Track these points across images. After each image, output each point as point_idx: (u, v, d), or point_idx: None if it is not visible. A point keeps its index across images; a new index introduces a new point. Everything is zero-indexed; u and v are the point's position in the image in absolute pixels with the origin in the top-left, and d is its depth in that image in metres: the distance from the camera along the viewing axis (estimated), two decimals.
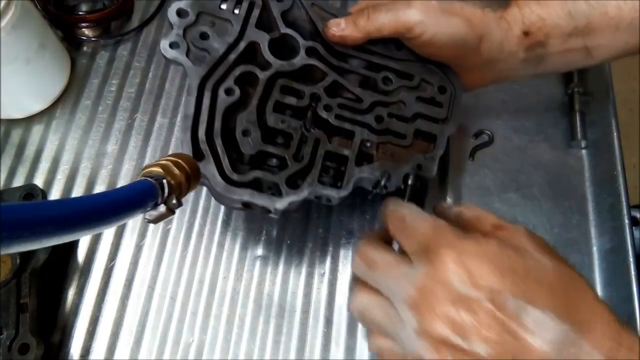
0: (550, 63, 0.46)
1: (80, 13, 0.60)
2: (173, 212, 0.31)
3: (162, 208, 0.31)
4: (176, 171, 0.32)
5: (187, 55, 0.42)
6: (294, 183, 0.42)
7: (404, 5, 0.42)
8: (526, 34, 0.44)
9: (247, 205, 0.42)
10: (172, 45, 0.42)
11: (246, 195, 0.40)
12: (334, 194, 0.42)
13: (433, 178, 0.44)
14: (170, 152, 0.56)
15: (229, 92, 0.42)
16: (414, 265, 0.34)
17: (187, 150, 0.40)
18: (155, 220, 0.31)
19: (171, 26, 0.43)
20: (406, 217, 0.36)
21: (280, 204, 0.41)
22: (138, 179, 0.31)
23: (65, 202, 0.25)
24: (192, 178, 0.34)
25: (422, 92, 0.46)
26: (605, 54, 0.46)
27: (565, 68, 0.48)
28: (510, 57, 0.45)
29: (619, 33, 0.44)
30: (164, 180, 0.31)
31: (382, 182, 0.43)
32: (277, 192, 0.41)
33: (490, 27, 0.43)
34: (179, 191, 0.32)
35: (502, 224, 0.35)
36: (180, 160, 0.33)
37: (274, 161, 0.43)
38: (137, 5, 0.64)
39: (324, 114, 0.43)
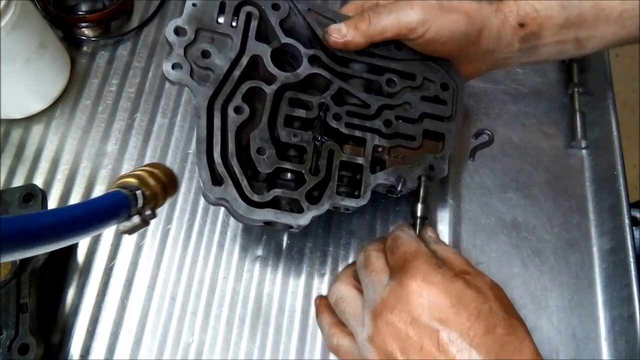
0: (542, 53, 0.48)
1: (80, 13, 0.60)
2: (147, 223, 0.31)
3: (136, 219, 0.31)
4: (151, 182, 0.32)
5: (191, 75, 0.41)
6: (312, 196, 0.42)
7: (404, 7, 0.42)
8: (521, 25, 0.45)
9: (268, 223, 0.42)
10: (175, 67, 0.41)
11: (269, 215, 0.40)
12: (353, 204, 0.43)
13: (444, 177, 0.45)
14: (170, 152, 0.56)
15: (238, 110, 0.42)
16: (389, 279, 0.36)
17: (205, 176, 0.40)
18: (130, 231, 0.31)
19: (170, 47, 0.42)
20: (399, 237, 0.39)
21: (303, 220, 0.41)
22: (111, 190, 0.30)
23: (36, 215, 0.25)
24: (168, 188, 0.34)
25: (425, 91, 0.46)
26: (596, 44, 0.47)
27: (556, 57, 0.50)
28: (506, 47, 0.46)
29: (607, 25, 0.45)
30: (138, 192, 0.31)
31: (399, 187, 0.43)
32: (296, 207, 0.41)
33: (488, 19, 0.44)
34: (155, 202, 0.32)
35: (468, 270, 0.37)
36: (156, 171, 0.33)
37: (289, 175, 0.43)
38: (137, 5, 0.64)
39: (334, 124, 0.43)
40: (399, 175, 0.43)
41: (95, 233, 0.28)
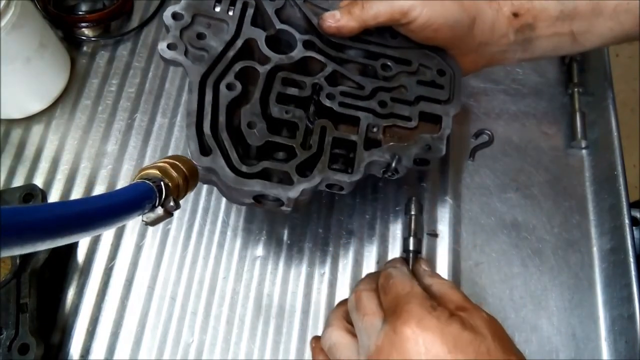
0: (538, 47, 0.47)
1: (80, 13, 0.60)
2: (171, 214, 0.31)
3: (159, 210, 0.31)
4: (174, 173, 0.32)
5: (186, 55, 0.42)
6: (303, 173, 0.41)
7: None
8: (515, 15, 0.45)
9: (258, 200, 0.42)
10: (170, 47, 0.42)
11: (258, 186, 0.40)
12: (346, 179, 0.42)
13: (442, 157, 0.45)
14: (169, 152, 0.56)
15: (230, 87, 0.42)
16: (383, 323, 0.35)
17: (193, 146, 0.40)
18: (153, 223, 0.31)
19: (167, 30, 0.43)
20: (392, 276, 0.38)
21: (293, 192, 0.40)
22: (135, 182, 0.30)
23: (63, 205, 0.25)
24: (189, 180, 0.34)
25: (421, 76, 0.46)
26: (591, 40, 0.47)
27: (553, 53, 0.49)
28: (501, 40, 0.46)
29: (602, 19, 0.45)
30: (161, 183, 0.31)
31: (393, 164, 0.43)
32: (287, 183, 0.41)
33: (482, 8, 0.45)
34: (177, 193, 0.32)
35: (464, 306, 0.36)
36: (177, 162, 0.33)
37: (281, 154, 0.43)
38: (137, 5, 0.64)
39: (327, 102, 0.43)
40: (393, 152, 0.43)
41: (120, 224, 0.28)
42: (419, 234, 0.50)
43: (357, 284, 0.41)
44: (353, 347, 0.37)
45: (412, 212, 0.50)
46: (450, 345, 0.32)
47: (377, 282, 0.40)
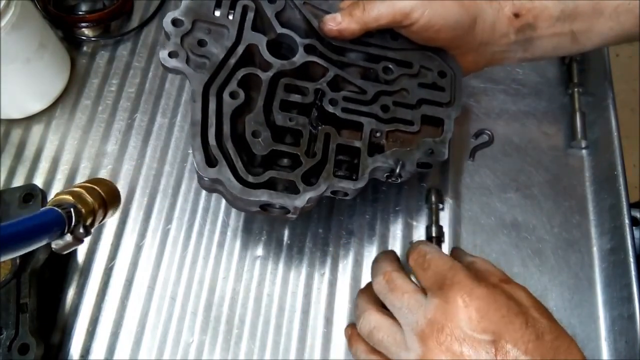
0: (539, 47, 0.47)
1: (80, 13, 0.60)
2: (81, 241, 0.31)
3: (68, 237, 0.30)
4: (89, 198, 0.32)
5: (187, 63, 0.42)
6: (309, 181, 0.42)
7: None
8: (516, 15, 0.45)
9: (264, 208, 0.42)
10: (172, 55, 0.42)
11: (264, 195, 0.40)
12: (351, 186, 0.42)
13: (444, 162, 0.46)
14: (169, 152, 0.56)
15: (233, 95, 0.42)
16: (428, 298, 0.35)
17: (199, 157, 0.40)
18: (62, 249, 0.30)
19: (167, 37, 0.43)
20: (428, 253, 0.38)
21: (299, 201, 0.40)
22: (45, 208, 0.30)
23: None
24: (109, 204, 0.33)
25: (423, 79, 0.46)
26: (592, 40, 0.47)
27: (553, 53, 0.49)
28: (501, 39, 0.46)
29: (603, 19, 0.45)
30: (72, 209, 0.31)
31: (397, 170, 0.43)
32: (293, 192, 0.41)
33: (483, 8, 0.45)
34: (92, 218, 0.32)
35: (507, 279, 0.37)
36: (96, 187, 0.33)
37: (285, 161, 0.43)
38: (137, 5, 0.64)
39: (330, 108, 0.43)
40: (397, 158, 0.43)
41: (28, 249, 0.28)
42: (440, 222, 0.52)
43: (377, 265, 0.40)
44: (394, 326, 0.37)
45: (433, 202, 0.52)
46: (503, 311, 0.33)
47: (398, 262, 0.40)
